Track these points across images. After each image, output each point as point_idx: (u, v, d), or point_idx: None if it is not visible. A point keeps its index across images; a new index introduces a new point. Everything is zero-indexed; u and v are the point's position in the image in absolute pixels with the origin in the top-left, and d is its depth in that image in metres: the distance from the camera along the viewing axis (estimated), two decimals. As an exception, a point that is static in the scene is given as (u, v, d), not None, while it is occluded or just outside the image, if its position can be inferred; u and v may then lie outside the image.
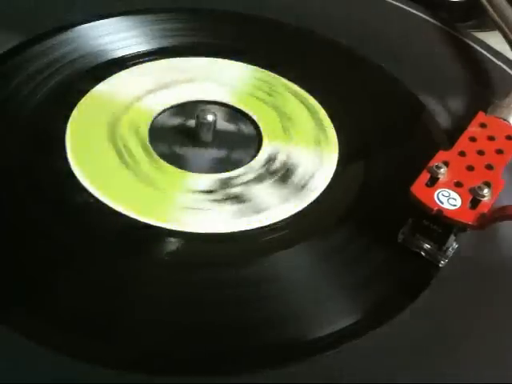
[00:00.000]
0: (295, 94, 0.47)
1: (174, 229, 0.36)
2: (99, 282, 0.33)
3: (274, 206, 0.38)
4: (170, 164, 0.40)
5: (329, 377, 0.30)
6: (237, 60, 0.49)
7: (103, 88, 0.44)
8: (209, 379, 0.30)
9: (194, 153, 0.41)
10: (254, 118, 0.44)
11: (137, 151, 0.40)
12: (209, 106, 0.44)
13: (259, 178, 0.40)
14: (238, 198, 0.38)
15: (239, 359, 0.31)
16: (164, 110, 0.44)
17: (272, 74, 0.48)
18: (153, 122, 0.43)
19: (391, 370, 0.31)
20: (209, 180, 0.39)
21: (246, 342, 0.31)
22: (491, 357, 0.32)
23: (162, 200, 0.38)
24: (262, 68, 0.48)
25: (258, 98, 0.46)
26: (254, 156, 0.42)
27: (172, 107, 0.44)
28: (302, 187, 0.40)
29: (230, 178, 0.40)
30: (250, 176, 0.40)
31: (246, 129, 0.44)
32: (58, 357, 0.29)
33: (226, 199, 0.38)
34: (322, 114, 0.45)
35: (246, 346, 0.31)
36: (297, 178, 0.40)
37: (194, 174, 0.40)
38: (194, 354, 0.30)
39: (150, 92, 0.45)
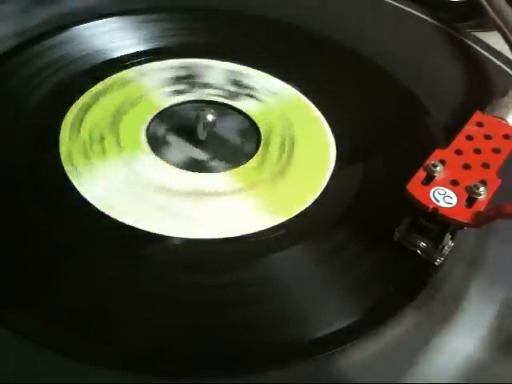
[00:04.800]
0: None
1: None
2: (99, 282, 0.33)
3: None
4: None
5: (329, 377, 0.30)
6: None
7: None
8: (209, 379, 0.30)
9: (193, 153, 0.41)
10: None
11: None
12: (209, 106, 0.44)
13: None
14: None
15: (239, 359, 0.31)
16: (164, 110, 0.44)
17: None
18: (152, 121, 0.43)
19: (391, 370, 0.31)
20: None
21: (246, 342, 0.32)
22: (491, 356, 0.32)
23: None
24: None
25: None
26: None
27: (172, 107, 0.44)
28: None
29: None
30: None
31: (246, 129, 0.44)
32: (57, 357, 0.29)
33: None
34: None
35: (246, 345, 0.31)
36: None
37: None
38: (193, 355, 0.31)
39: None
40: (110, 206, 0.37)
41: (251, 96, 0.46)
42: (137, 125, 0.42)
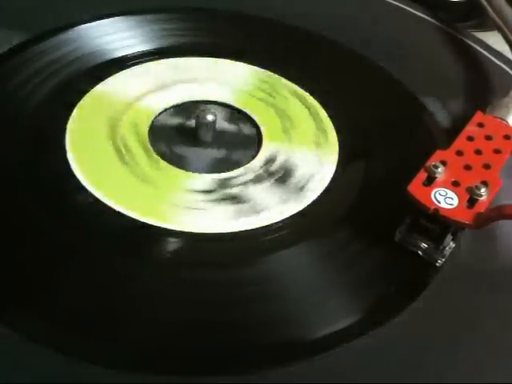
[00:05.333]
0: (295, 95, 0.47)
1: (173, 229, 0.36)
2: (99, 281, 0.33)
3: (273, 207, 0.38)
4: (170, 164, 0.40)
5: (329, 377, 0.30)
6: (237, 60, 0.49)
7: (103, 88, 0.44)
8: (209, 379, 0.30)
9: (193, 153, 0.41)
10: (254, 118, 0.44)
11: (137, 151, 0.40)
12: (209, 106, 0.44)
13: (258, 179, 0.40)
14: (236, 199, 0.38)
15: (239, 359, 0.31)
16: (164, 110, 0.44)
17: (272, 75, 0.48)
18: (153, 121, 0.43)
19: (391, 370, 0.31)
20: (208, 180, 0.39)
21: (245, 341, 0.31)
22: (491, 357, 0.32)
23: (162, 200, 0.38)
24: (263, 68, 0.48)
25: (258, 98, 0.46)
26: (254, 156, 0.42)
27: (172, 107, 0.44)
28: (302, 188, 0.40)
29: (229, 179, 0.40)
30: (249, 176, 0.40)
31: (246, 129, 0.44)
32: (57, 357, 0.29)
33: (225, 199, 0.38)
34: (322, 114, 0.45)
35: (246, 345, 0.31)
36: (296, 178, 0.40)
37: (193, 173, 0.40)
38: (193, 354, 0.31)
39: (150, 92, 0.45)
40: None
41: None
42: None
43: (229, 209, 0.38)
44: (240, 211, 0.38)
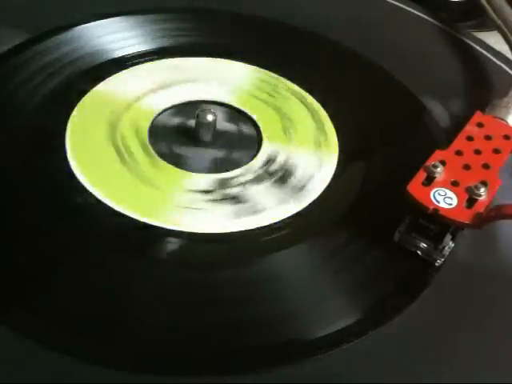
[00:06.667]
0: (295, 95, 0.47)
1: (173, 229, 0.36)
2: (99, 281, 0.33)
3: (272, 207, 0.38)
4: (170, 164, 0.40)
5: (329, 377, 0.30)
6: (237, 60, 0.49)
7: (103, 88, 0.44)
8: (209, 379, 0.30)
9: (193, 153, 0.41)
10: (254, 118, 0.44)
11: (137, 151, 0.40)
12: (209, 106, 0.44)
13: (258, 179, 0.40)
14: (236, 199, 0.38)
15: (239, 359, 0.31)
16: (164, 110, 0.44)
17: (272, 75, 0.48)
18: (153, 121, 0.43)
19: (391, 370, 0.31)
20: (208, 180, 0.39)
21: (245, 341, 0.31)
22: (491, 356, 0.32)
23: (162, 200, 0.38)
24: (262, 68, 0.48)
25: (258, 98, 0.46)
26: (254, 156, 0.42)
27: (172, 107, 0.44)
28: (301, 188, 0.40)
29: (229, 179, 0.40)
30: (249, 176, 0.40)
31: (246, 129, 0.44)
32: (57, 357, 0.29)
33: (225, 199, 0.38)
34: (322, 114, 0.45)
35: (245, 345, 0.31)
36: (296, 178, 0.40)
37: (193, 173, 0.40)
38: (193, 354, 0.31)
39: (150, 92, 0.45)
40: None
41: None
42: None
43: (228, 209, 0.38)
44: (240, 211, 0.38)
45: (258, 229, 0.37)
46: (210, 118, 0.41)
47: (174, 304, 0.32)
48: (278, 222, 0.37)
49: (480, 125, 0.39)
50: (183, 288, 0.33)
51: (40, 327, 0.30)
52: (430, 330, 0.33)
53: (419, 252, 0.35)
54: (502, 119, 0.40)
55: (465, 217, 0.33)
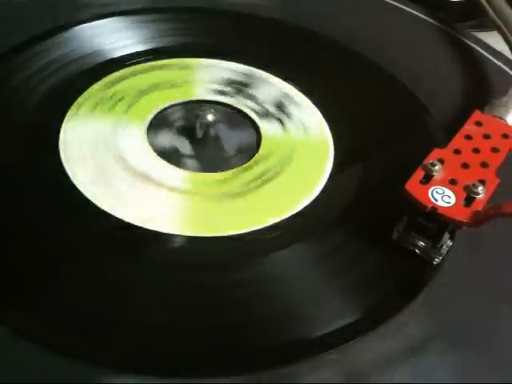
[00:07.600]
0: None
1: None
2: (98, 282, 0.33)
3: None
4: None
5: (328, 377, 0.30)
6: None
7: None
8: (209, 379, 0.30)
9: (193, 152, 0.42)
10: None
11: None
12: (209, 106, 0.44)
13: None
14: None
15: (239, 359, 0.31)
16: (164, 109, 0.44)
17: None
18: (152, 121, 0.43)
19: (391, 370, 0.31)
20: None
21: (245, 341, 0.32)
22: (491, 356, 0.32)
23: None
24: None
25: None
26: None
27: (172, 107, 0.44)
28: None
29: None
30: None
31: (246, 129, 0.44)
32: (57, 357, 0.29)
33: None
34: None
35: (246, 345, 0.31)
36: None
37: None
38: (193, 355, 0.31)
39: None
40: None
41: (280, 121, 0.45)
42: (157, 103, 0.44)
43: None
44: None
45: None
46: (209, 117, 0.42)
47: (173, 304, 0.32)
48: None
49: (479, 124, 0.39)
50: (183, 288, 0.33)
51: (39, 327, 0.30)
52: (429, 329, 0.33)
53: (417, 251, 0.35)
54: (500, 118, 0.40)
55: (463, 215, 0.33)
